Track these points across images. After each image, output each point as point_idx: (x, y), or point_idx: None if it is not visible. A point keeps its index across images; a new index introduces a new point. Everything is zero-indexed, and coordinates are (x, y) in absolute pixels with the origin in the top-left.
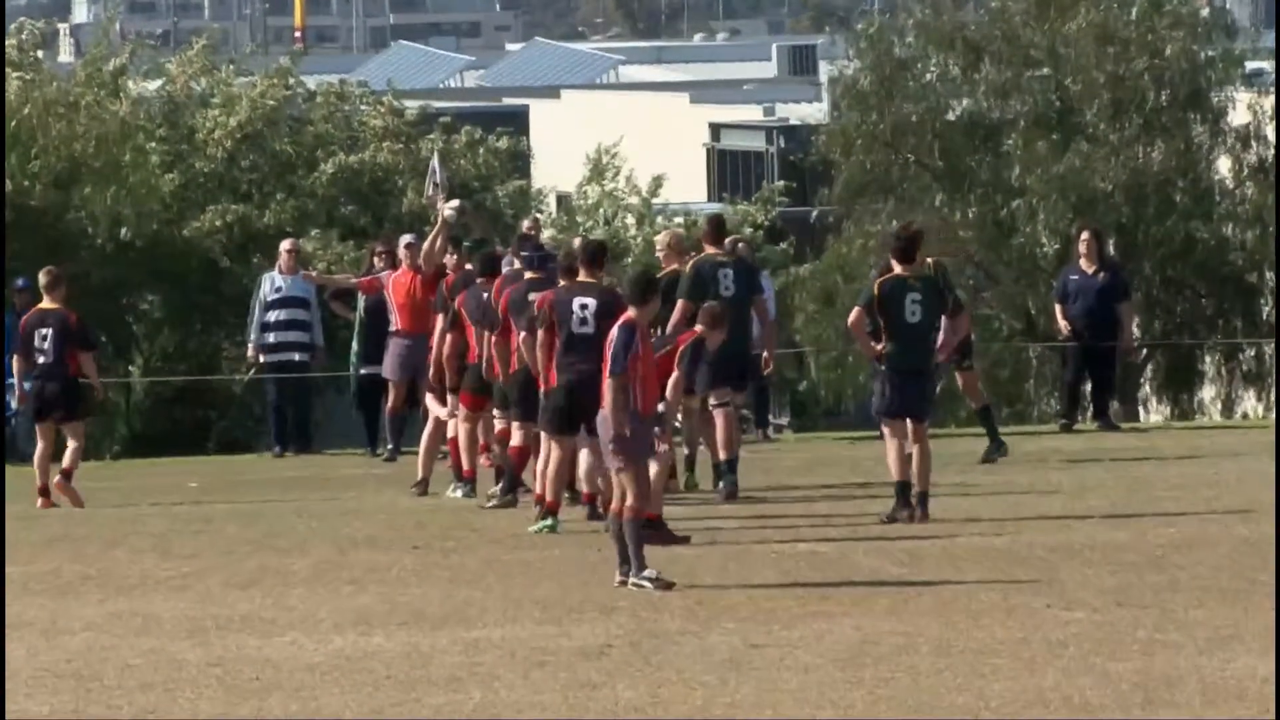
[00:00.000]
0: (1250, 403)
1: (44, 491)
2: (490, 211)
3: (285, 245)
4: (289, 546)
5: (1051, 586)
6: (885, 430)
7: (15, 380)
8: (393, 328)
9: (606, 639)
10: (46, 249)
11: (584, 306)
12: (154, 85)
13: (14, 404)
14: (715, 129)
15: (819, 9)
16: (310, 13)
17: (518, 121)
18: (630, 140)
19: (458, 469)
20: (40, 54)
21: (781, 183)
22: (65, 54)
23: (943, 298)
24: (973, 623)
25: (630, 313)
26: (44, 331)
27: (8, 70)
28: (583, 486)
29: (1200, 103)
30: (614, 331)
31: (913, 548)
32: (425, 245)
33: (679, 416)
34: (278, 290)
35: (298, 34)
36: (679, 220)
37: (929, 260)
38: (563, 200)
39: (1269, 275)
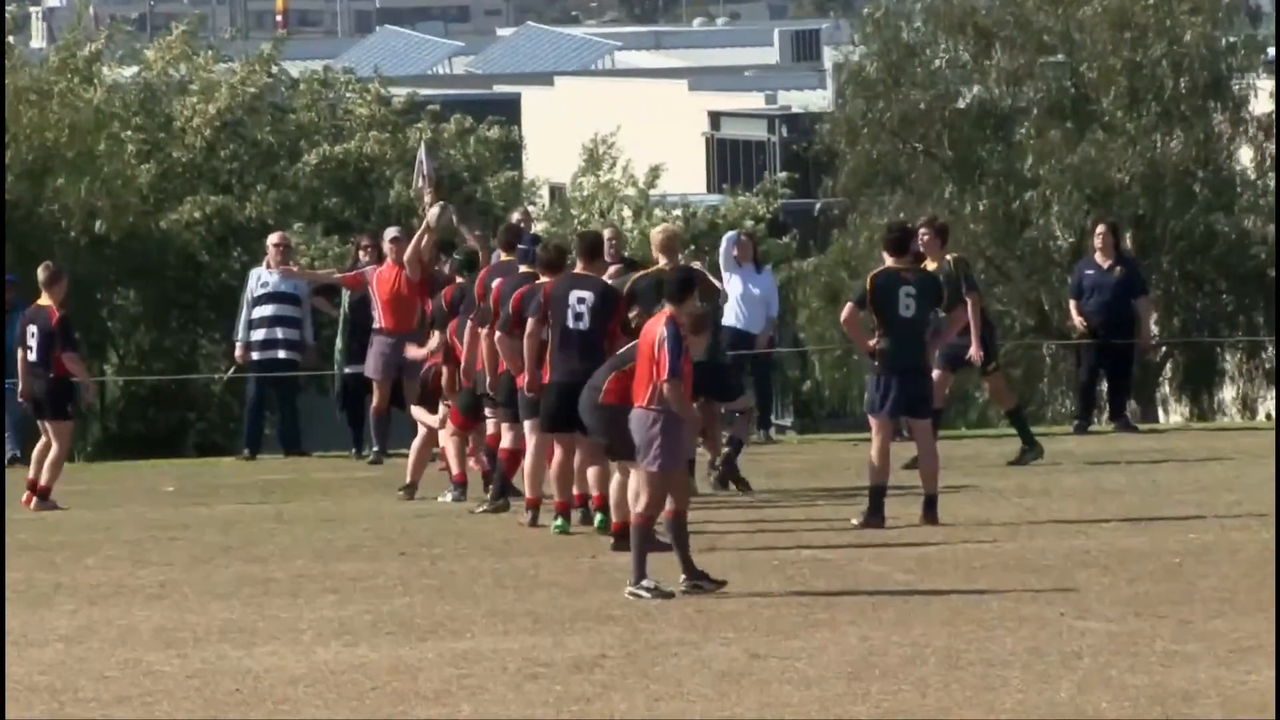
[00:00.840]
0: (1272, 403)
1: (32, 486)
2: (480, 204)
3: (274, 239)
4: (269, 554)
5: (1065, 595)
6: (872, 428)
7: (19, 375)
8: (376, 325)
9: (601, 650)
10: (17, 243)
11: (581, 300)
12: (130, 72)
13: (19, 398)
14: (715, 117)
15: None
16: None
17: (509, 110)
18: (627, 129)
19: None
20: (11, 39)
21: (784, 174)
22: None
23: (939, 292)
24: (983, 633)
25: (670, 309)
26: (33, 329)
27: None
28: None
29: (1221, 90)
30: (659, 330)
31: (921, 554)
32: (410, 246)
33: None
34: (264, 285)
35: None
36: (677, 213)
37: (950, 256)
38: (556, 192)
39: None
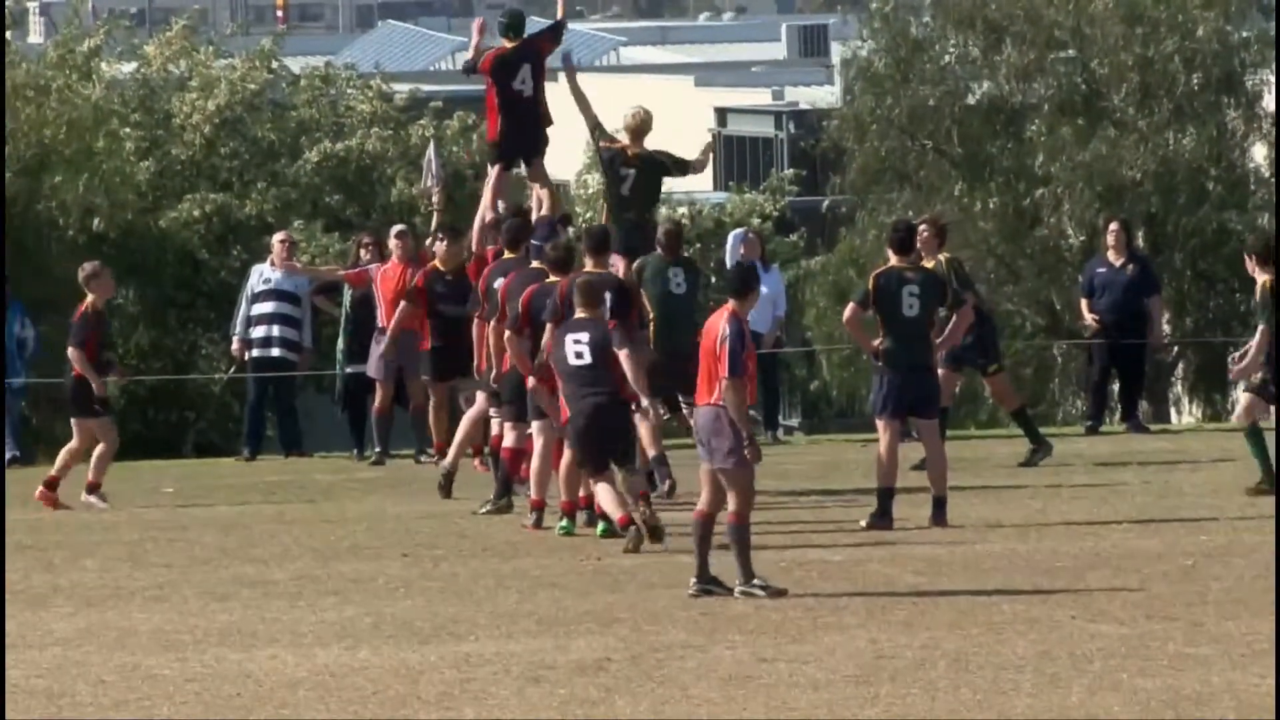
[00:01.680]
0: None
1: (57, 481)
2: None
3: (279, 236)
4: (269, 555)
5: (1077, 597)
6: (879, 428)
7: None
8: (379, 324)
9: (606, 653)
10: (13, 241)
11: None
12: (129, 68)
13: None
14: (721, 114)
15: None
16: None
17: None
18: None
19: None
20: (9, 35)
21: (791, 171)
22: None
23: (942, 291)
24: (993, 635)
25: (732, 305)
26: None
27: None
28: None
29: (1234, 86)
30: (722, 327)
31: (930, 556)
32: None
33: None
34: (266, 282)
35: (280, 13)
36: (683, 211)
37: (943, 256)
38: (560, 189)
39: None
